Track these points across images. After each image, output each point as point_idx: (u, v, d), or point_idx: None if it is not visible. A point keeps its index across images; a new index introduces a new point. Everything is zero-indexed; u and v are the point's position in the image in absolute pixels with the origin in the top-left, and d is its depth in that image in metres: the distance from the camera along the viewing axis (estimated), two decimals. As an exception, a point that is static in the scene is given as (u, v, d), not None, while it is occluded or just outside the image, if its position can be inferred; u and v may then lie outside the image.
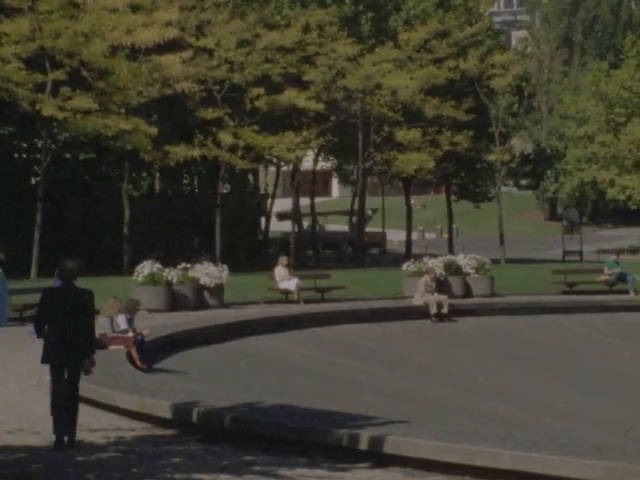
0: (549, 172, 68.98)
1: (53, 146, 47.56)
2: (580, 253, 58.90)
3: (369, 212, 71.80)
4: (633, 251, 64.32)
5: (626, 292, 33.17)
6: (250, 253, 58.84)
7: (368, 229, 69.03)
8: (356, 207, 57.66)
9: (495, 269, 35.13)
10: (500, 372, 24.67)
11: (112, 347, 18.62)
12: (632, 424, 20.70)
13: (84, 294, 11.67)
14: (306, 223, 66.14)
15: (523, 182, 68.36)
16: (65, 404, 11.36)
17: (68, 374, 11.49)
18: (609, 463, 8.91)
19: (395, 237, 73.95)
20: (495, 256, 50.91)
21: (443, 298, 29.04)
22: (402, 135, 51.22)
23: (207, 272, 28.93)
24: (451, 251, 55.74)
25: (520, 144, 73.23)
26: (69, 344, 11.36)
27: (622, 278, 33.63)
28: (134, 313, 19.60)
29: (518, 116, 60.89)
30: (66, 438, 11.30)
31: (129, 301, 20.08)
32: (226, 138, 47.00)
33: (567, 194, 68.95)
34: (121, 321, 19.22)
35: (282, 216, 67.86)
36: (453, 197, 65.31)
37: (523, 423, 18.92)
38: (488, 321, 29.08)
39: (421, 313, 28.62)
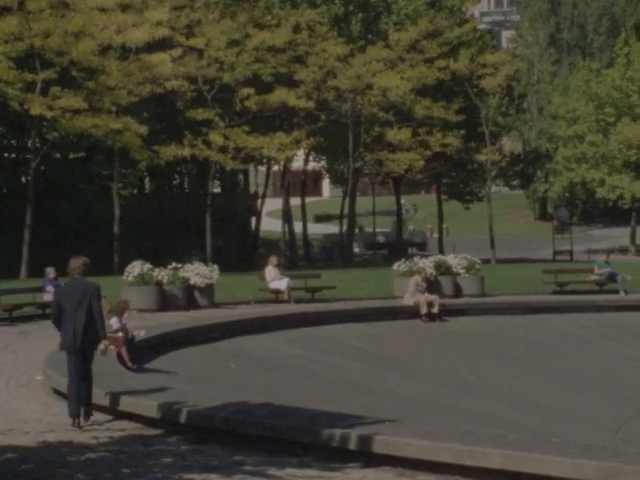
0: (539, 172, 69.07)
1: (43, 146, 47.46)
2: (570, 253, 59.00)
3: (410, 209, 71.99)
4: (623, 251, 64.46)
5: (616, 292, 33.21)
6: (241, 253, 58.80)
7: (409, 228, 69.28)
8: (382, 207, 57.48)
9: (485, 269, 35.15)
10: (490, 372, 24.67)
11: (102, 347, 18.54)
12: (622, 423, 20.74)
13: (90, 286, 12.92)
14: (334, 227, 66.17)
15: (513, 182, 68.45)
16: (81, 384, 12.78)
17: (83, 359, 12.87)
18: (599, 462, 8.90)
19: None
20: (485, 256, 50.98)
21: (434, 298, 29.03)
22: (393, 135, 51.22)
23: (197, 272, 28.90)
24: (441, 251, 55.80)
25: (510, 144, 73.28)
26: (80, 333, 12.69)
27: (612, 278, 33.67)
28: (123, 314, 19.55)
29: (508, 116, 60.95)
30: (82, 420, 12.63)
31: (118, 303, 20.04)
32: (216, 139, 46.96)
33: (557, 194, 69.03)
34: (113, 322, 19.17)
35: (320, 218, 67.78)
36: (444, 197, 65.39)
37: (513, 422, 18.93)
38: (478, 321, 29.09)
39: (411, 313, 28.61)
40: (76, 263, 13.06)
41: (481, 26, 76.82)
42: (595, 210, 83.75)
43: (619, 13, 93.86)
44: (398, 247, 59.84)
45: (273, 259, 31.99)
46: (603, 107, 64.51)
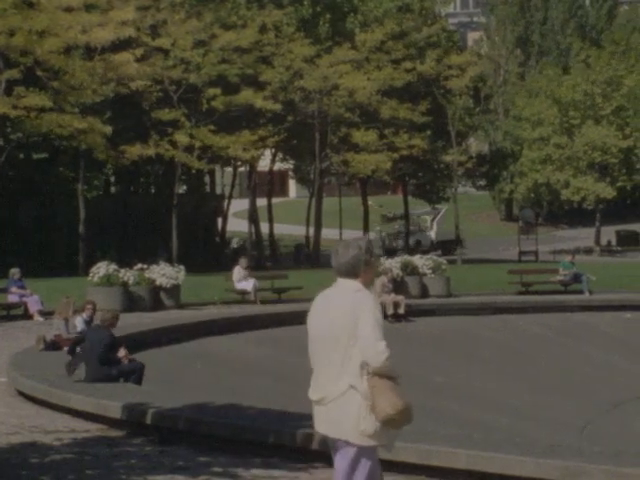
0: (505, 173, 69.36)
1: (6, 146, 47.10)
2: (536, 253, 59.27)
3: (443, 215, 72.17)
4: (588, 251, 64.88)
5: (581, 292, 33.41)
6: (207, 254, 58.64)
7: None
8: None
9: (451, 269, 35.24)
10: (457, 372, 24.74)
11: (67, 348, 18.44)
12: (587, 423, 20.86)
13: None
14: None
15: (480, 183, 68.70)
16: None
17: None
18: (564, 462, 8.93)
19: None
20: (451, 256, 51.11)
21: (400, 298, 29.07)
22: (359, 137, 51.25)
23: (163, 273, 28.79)
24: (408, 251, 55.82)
25: (477, 145, 73.51)
26: None
27: (577, 278, 33.88)
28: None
29: (474, 116, 61.17)
30: None
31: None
32: (182, 139, 46.79)
33: (522, 195, 69.36)
34: (78, 322, 19.07)
35: (388, 219, 68.00)
36: (410, 197, 65.60)
37: (479, 423, 18.98)
38: (445, 321, 29.16)
39: (378, 313, 28.58)
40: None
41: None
42: (560, 211, 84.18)
43: (584, 16, 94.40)
44: (449, 246, 61.09)
45: (243, 261, 31.97)
46: (567, 110, 64.89)
